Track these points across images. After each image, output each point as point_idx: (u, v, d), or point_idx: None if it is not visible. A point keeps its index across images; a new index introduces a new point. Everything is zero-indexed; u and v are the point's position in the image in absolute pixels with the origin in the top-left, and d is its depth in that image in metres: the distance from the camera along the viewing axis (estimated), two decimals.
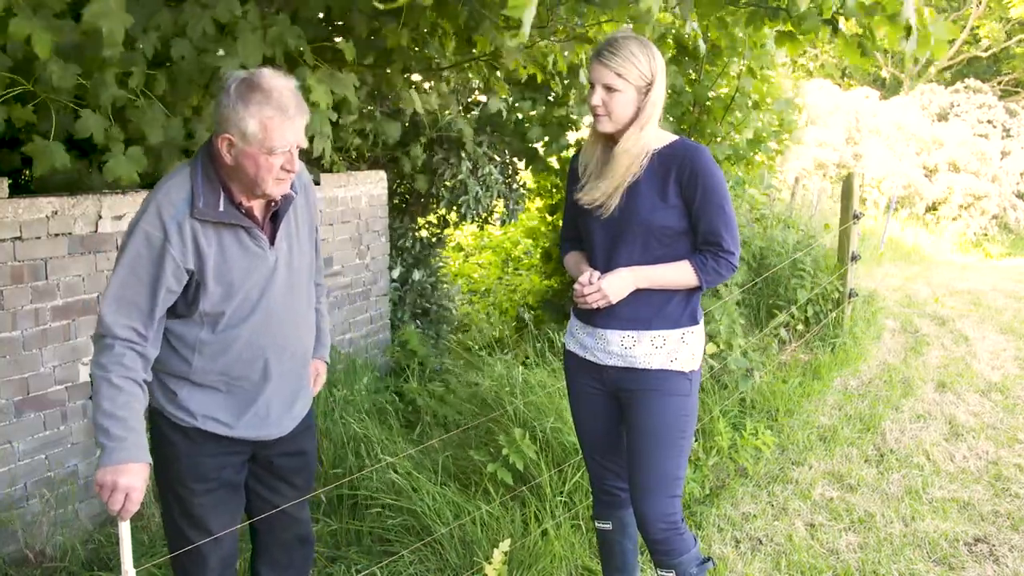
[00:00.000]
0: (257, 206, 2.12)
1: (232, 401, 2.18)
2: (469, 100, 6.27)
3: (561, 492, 3.49)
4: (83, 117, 3.02)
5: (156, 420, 2.21)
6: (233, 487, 2.28)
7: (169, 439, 2.18)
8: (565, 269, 2.68)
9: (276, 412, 2.25)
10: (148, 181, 3.92)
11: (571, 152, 6.14)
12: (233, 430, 2.19)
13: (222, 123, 1.98)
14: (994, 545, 3.54)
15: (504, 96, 5.63)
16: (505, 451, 3.51)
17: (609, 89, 2.29)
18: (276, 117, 1.96)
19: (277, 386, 2.22)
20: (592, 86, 2.32)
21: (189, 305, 2.07)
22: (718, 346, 4.90)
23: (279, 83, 1.99)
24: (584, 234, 2.48)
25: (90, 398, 3.60)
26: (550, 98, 6.07)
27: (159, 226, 1.99)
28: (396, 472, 3.57)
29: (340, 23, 4.53)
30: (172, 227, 1.99)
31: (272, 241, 2.14)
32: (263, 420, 2.22)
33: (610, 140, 2.39)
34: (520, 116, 5.94)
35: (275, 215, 2.15)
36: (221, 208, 2.03)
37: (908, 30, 2.79)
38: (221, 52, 3.24)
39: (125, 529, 1.94)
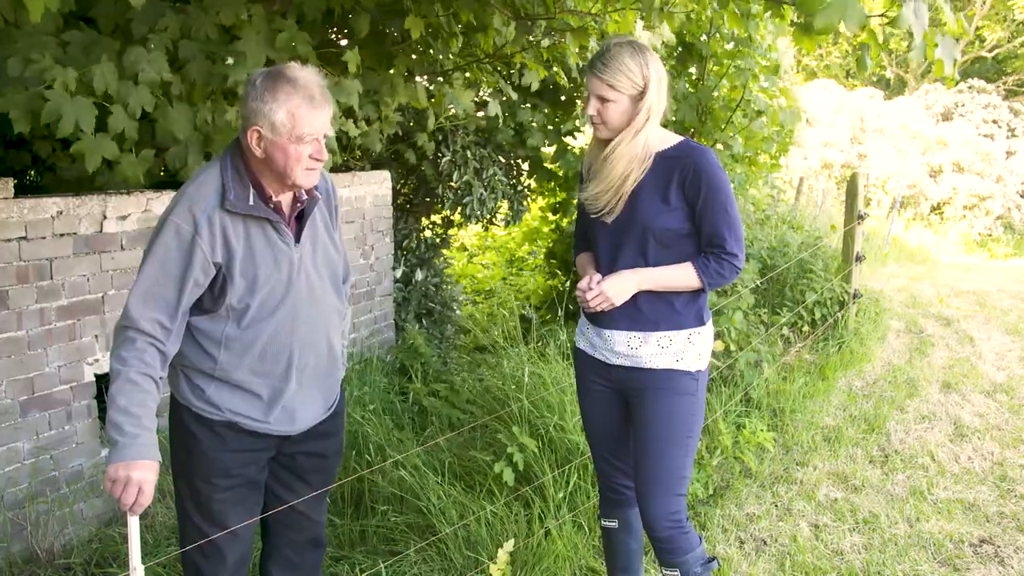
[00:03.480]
0: (285, 202, 2.14)
1: (259, 398, 2.18)
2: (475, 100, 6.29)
3: (565, 493, 3.49)
4: (114, 112, 3.05)
5: (180, 413, 2.20)
6: (255, 485, 2.27)
7: (193, 433, 2.18)
8: (571, 270, 2.70)
9: (302, 409, 2.25)
10: (156, 181, 3.96)
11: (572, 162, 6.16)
12: (262, 424, 2.19)
13: (250, 116, 2.01)
14: (999, 546, 3.53)
15: (504, 99, 5.63)
16: (509, 449, 3.52)
17: (603, 100, 2.33)
18: (304, 106, 1.99)
19: (303, 384, 2.22)
20: (588, 96, 2.37)
21: (215, 300, 2.09)
22: (727, 345, 4.89)
23: (305, 74, 2.03)
24: (590, 236, 2.51)
25: (95, 397, 3.61)
26: (560, 98, 6.08)
27: (190, 220, 2.02)
28: (401, 472, 3.57)
29: (343, 26, 4.54)
30: (203, 221, 2.02)
31: (297, 239, 2.16)
32: (291, 415, 2.23)
33: (610, 143, 2.41)
34: (522, 122, 5.95)
35: (300, 215, 2.18)
36: (251, 202, 2.06)
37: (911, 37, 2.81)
38: (230, 60, 3.29)
39: (134, 525, 1.94)
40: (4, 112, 2.99)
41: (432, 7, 3.99)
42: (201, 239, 2.01)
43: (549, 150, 6.38)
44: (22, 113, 2.98)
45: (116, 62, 3.10)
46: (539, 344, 4.65)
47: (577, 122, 6.14)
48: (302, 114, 1.99)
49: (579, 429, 3.68)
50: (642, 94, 2.32)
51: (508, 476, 3.44)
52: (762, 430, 4.34)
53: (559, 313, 5.10)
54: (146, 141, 3.41)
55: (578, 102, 6.38)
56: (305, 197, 2.17)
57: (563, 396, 3.91)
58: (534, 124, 6.09)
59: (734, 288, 5.34)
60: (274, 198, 2.11)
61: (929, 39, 2.80)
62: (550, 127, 6.26)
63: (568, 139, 6.25)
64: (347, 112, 3.93)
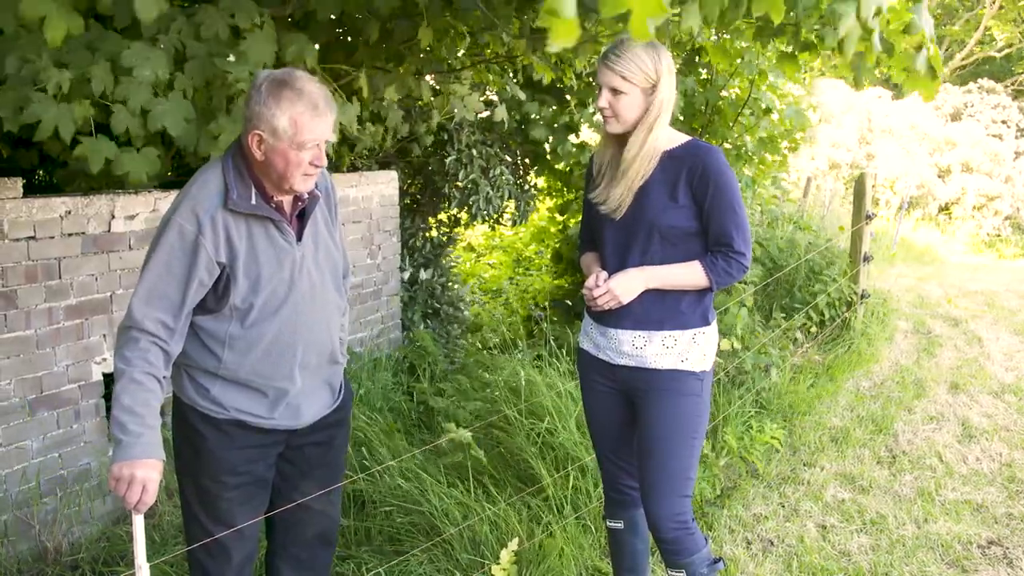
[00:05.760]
0: (286, 202, 2.15)
1: (264, 395, 2.19)
2: (481, 99, 6.29)
3: (567, 493, 3.49)
4: (116, 111, 3.04)
5: (185, 413, 2.21)
6: (262, 483, 2.28)
7: (200, 432, 2.18)
8: (577, 270, 2.69)
9: (307, 404, 2.26)
10: (162, 181, 3.96)
11: (573, 152, 6.15)
12: (267, 421, 2.20)
13: (252, 120, 2.01)
14: (1008, 548, 3.51)
15: (512, 96, 5.63)
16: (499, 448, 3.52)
17: (615, 91, 2.32)
18: (307, 113, 1.99)
19: (306, 382, 2.23)
20: (600, 88, 2.35)
21: (219, 299, 2.09)
22: (732, 344, 4.88)
23: (309, 81, 2.03)
24: (597, 235, 2.49)
25: (103, 396, 3.63)
26: (565, 97, 6.06)
27: (193, 220, 2.02)
28: (405, 471, 3.57)
29: (352, 25, 4.54)
30: (206, 220, 2.02)
31: (299, 238, 2.17)
32: (295, 411, 2.23)
33: (622, 141, 2.40)
34: (527, 113, 5.95)
35: (302, 213, 2.18)
36: (253, 201, 2.07)
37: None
38: (231, 58, 3.26)
39: (139, 523, 1.95)
40: None
41: (442, 12, 3.98)
42: (205, 239, 2.02)
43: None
44: (11, 112, 2.96)
45: (115, 61, 3.08)
46: (543, 345, 4.64)
47: (577, 119, 6.12)
48: (304, 121, 1.99)
49: (582, 430, 3.68)
50: (654, 88, 2.32)
51: (478, 455, 3.46)
52: (772, 427, 4.32)
53: (560, 314, 5.10)
54: (154, 140, 3.39)
55: (587, 102, 6.37)
56: (306, 196, 2.17)
57: (568, 398, 3.90)
58: (540, 120, 6.08)
59: (737, 288, 5.32)
60: (276, 197, 2.12)
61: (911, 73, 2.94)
62: (556, 124, 6.25)
63: (572, 137, 6.24)
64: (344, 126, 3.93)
